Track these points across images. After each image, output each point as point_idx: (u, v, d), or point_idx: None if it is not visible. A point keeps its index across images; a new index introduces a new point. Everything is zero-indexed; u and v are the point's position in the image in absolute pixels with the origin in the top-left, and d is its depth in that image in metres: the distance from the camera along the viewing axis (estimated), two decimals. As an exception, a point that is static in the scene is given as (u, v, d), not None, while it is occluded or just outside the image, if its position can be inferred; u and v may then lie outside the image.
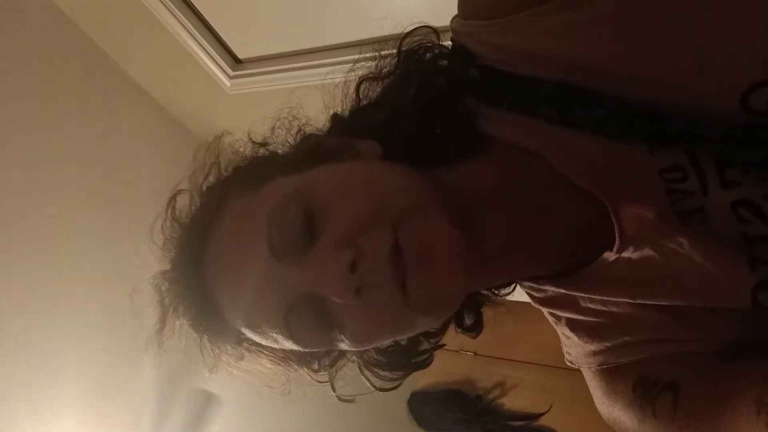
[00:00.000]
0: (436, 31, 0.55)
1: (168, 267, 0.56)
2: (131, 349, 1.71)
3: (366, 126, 0.55)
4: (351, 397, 0.59)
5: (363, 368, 0.58)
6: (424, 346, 0.59)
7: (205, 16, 1.85)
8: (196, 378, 1.90)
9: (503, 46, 0.48)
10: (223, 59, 1.93)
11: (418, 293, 0.44)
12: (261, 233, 0.47)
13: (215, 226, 0.52)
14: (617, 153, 0.47)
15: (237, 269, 0.50)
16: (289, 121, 0.58)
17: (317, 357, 0.57)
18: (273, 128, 0.58)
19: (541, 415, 0.52)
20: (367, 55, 0.57)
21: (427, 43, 0.54)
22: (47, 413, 1.69)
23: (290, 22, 1.78)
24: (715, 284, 0.46)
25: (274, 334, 0.49)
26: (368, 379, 0.58)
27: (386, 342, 0.53)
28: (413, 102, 0.53)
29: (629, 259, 0.48)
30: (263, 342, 0.52)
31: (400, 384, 0.59)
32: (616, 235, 0.47)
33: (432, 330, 0.57)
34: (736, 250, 0.45)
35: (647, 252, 0.47)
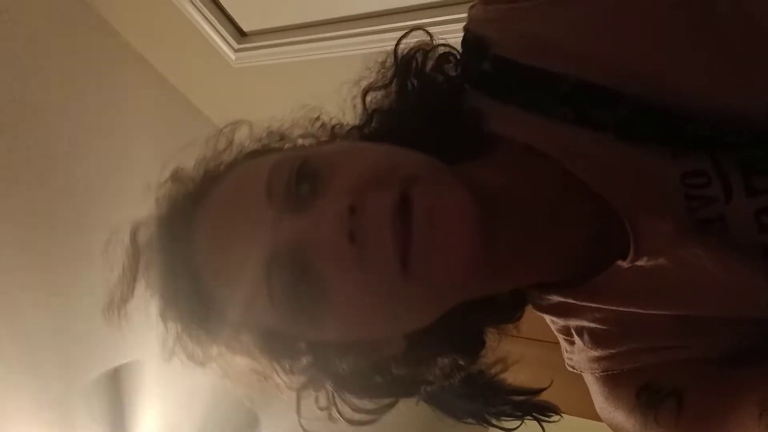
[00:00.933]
0: (429, 34, 0.53)
1: (154, 219, 0.52)
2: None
3: (377, 133, 0.53)
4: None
5: (335, 393, 0.52)
6: (409, 376, 0.53)
7: (209, -13, 1.83)
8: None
9: (524, 34, 0.46)
10: (228, 32, 1.91)
11: (419, 257, 0.40)
12: (260, 181, 0.45)
13: (215, 188, 0.49)
14: (636, 158, 0.45)
15: (228, 220, 0.46)
16: (308, 118, 0.55)
17: (291, 352, 0.50)
18: (292, 123, 0.55)
19: (542, 390, 0.52)
20: (369, 57, 0.54)
21: (423, 46, 0.53)
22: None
23: (296, -6, 1.76)
24: (730, 296, 0.45)
25: (251, 291, 0.44)
26: (339, 410, 0.52)
27: (372, 328, 0.47)
28: (416, 105, 0.52)
29: (642, 268, 0.45)
30: (234, 309, 0.47)
31: (377, 419, 0.53)
32: (631, 244, 0.45)
33: (417, 352, 0.51)
34: (755, 261, 0.43)
35: (661, 261, 0.45)
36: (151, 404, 1.88)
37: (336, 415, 0.52)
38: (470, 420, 0.58)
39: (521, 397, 0.57)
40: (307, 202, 0.43)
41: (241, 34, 1.96)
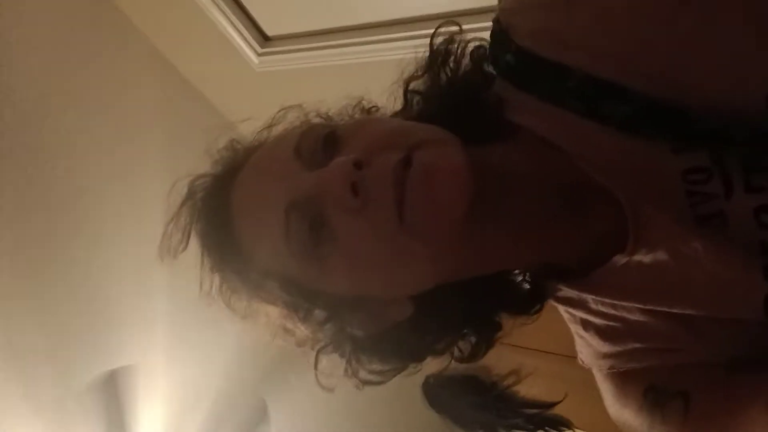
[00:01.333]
0: (460, 26, 0.57)
1: (208, 175, 0.58)
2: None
3: (412, 116, 0.57)
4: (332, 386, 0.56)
5: (352, 354, 0.55)
6: (422, 344, 0.56)
7: (235, -8, 1.85)
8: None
9: (545, 27, 0.48)
10: (251, 36, 1.93)
11: (412, 211, 0.44)
12: (291, 142, 0.50)
13: (258, 149, 0.56)
14: (640, 151, 0.46)
15: (258, 172, 0.52)
16: (354, 105, 0.60)
17: (307, 303, 0.53)
18: (340, 110, 0.60)
19: (556, 404, 0.52)
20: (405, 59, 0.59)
21: (453, 37, 0.57)
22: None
23: None
24: (727, 292, 0.45)
25: (271, 233, 0.49)
26: (354, 370, 0.56)
27: (375, 279, 0.50)
28: (446, 92, 0.56)
29: (641, 262, 0.47)
30: (258, 250, 0.51)
31: (387, 380, 0.57)
32: (630, 235, 0.46)
33: (426, 320, 0.54)
34: (752, 258, 0.44)
35: (660, 256, 0.46)
36: (152, 405, 1.91)
37: (350, 373, 0.56)
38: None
39: (534, 411, 0.57)
40: (327, 161, 0.47)
41: (264, 38, 1.98)
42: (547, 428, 0.56)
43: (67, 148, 1.78)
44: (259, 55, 1.97)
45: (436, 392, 0.58)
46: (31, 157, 1.69)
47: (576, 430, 0.58)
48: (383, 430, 1.91)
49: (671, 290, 0.47)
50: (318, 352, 0.56)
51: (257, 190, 0.52)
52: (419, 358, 0.57)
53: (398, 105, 0.59)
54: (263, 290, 0.53)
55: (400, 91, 0.59)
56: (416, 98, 0.58)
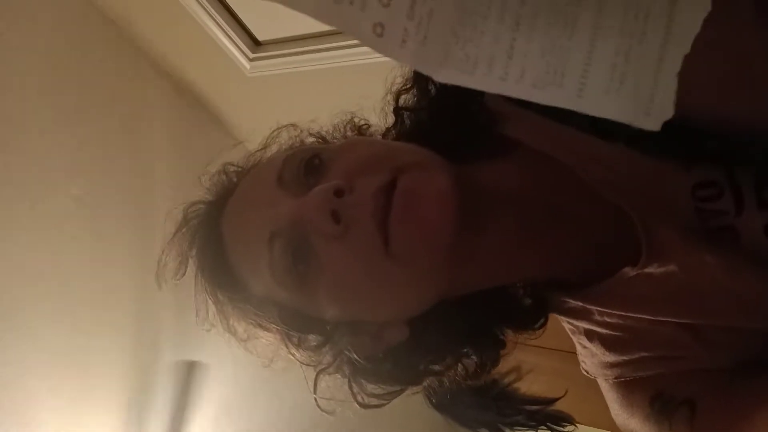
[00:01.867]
0: None
1: (203, 201, 0.58)
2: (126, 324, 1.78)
3: (403, 132, 0.57)
4: (331, 409, 0.56)
5: (351, 378, 0.55)
6: (421, 366, 0.55)
7: (224, -3, 1.85)
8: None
9: None
10: (242, 41, 1.93)
11: (396, 238, 0.43)
12: (275, 168, 0.50)
13: (248, 174, 0.56)
14: (649, 167, 0.46)
15: (244, 200, 0.53)
16: (345, 121, 0.60)
17: (300, 328, 0.53)
18: (332, 127, 0.60)
19: (556, 400, 0.51)
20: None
21: None
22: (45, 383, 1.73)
23: (310, 3, 1.77)
24: (739, 304, 0.45)
25: (258, 262, 0.49)
26: (354, 393, 0.55)
27: (362, 304, 0.50)
28: (434, 106, 0.55)
29: (650, 275, 0.46)
30: (248, 279, 0.51)
31: (386, 403, 0.56)
32: (643, 249, 0.45)
33: (424, 342, 0.53)
34: (764, 271, 0.43)
35: (670, 268, 0.45)
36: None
37: (350, 397, 0.55)
38: (484, 430, 0.58)
39: (535, 407, 0.57)
40: (309, 187, 0.47)
41: (255, 43, 1.97)
42: (549, 424, 0.56)
43: (62, 152, 1.77)
44: (251, 60, 1.96)
45: (437, 392, 0.58)
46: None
47: (578, 425, 0.58)
48: (385, 429, 1.91)
49: (681, 302, 0.47)
50: (317, 373, 0.55)
51: (244, 219, 0.52)
52: (417, 382, 0.56)
53: (390, 120, 0.58)
54: (259, 316, 0.53)
55: (390, 106, 0.58)
56: (406, 114, 0.57)
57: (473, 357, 0.56)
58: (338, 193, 0.44)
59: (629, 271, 0.47)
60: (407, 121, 0.57)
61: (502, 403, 0.57)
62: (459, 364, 0.56)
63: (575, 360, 0.58)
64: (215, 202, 0.57)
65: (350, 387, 0.55)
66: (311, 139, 0.59)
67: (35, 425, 1.62)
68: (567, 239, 0.50)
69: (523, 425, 0.57)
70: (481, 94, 0.54)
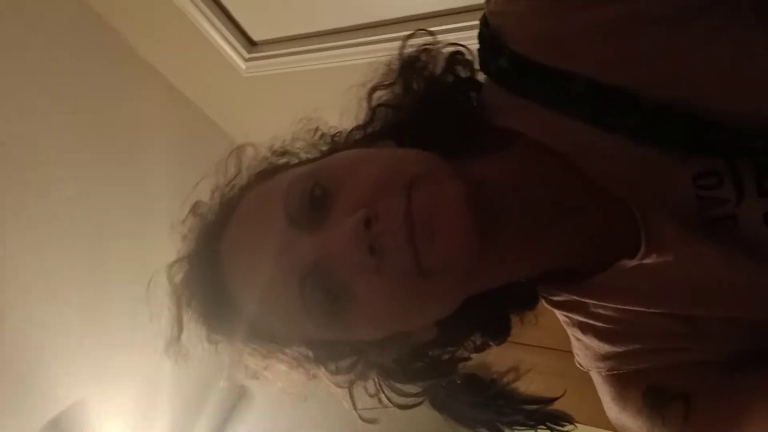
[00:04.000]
0: (432, 34, 0.56)
1: (184, 257, 0.55)
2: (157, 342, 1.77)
3: (380, 131, 0.55)
4: (373, 418, 0.56)
5: (381, 383, 0.55)
6: (445, 356, 0.57)
7: (219, -3, 1.84)
8: (228, 373, 1.94)
9: (544, 32, 0.47)
10: (238, 41, 1.92)
11: (426, 258, 0.43)
12: (278, 207, 0.48)
13: (233, 215, 0.53)
14: (650, 158, 0.45)
15: (254, 247, 0.49)
16: (307, 130, 0.58)
17: (334, 356, 0.54)
18: (293, 138, 0.58)
19: (556, 399, 0.51)
20: (377, 62, 0.57)
21: (427, 45, 0.55)
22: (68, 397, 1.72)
23: (306, 2, 1.77)
24: (736, 295, 0.45)
25: (288, 310, 0.48)
26: (388, 396, 0.55)
27: (400, 325, 0.50)
28: (421, 101, 0.54)
29: (647, 266, 0.46)
30: (276, 326, 0.51)
31: (422, 402, 0.56)
32: (642, 241, 0.45)
33: (449, 336, 0.55)
34: (762, 261, 0.43)
35: (667, 260, 0.45)
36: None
37: (385, 401, 0.56)
38: (483, 430, 0.58)
39: (534, 407, 0.57)
40: (324, 219, 0.46)
41: (251, 43, 1.97)
42: (548, 424, 0.56)
43: (57, 153, 1.77)
44: (246, 60, 1.96)
45: (436, 391, 0.58)
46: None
47: (577, 424, 0.58)
48: (389, 428, 1.91)
49: (676, 293, 0.47)
50: (350, 387, 0.55)
51: (260, 268, 0.48)
52: (448, 372, 0.57)
53: (350, 118, 0.56)
54: (286, 355, 0.53)
55: (361, 103, 0.56)
56: (383, 110, 0.55)
57: (489, 341, 0.58)
58: (367, 223, 0.43)
59: (627, 263, 0.47)
60: (384, 119, 0.55)
61: (501, 402, 0.57)
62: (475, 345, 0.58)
63: (573, 359, 0.58)
64: (203, 250, 0.54)
65: (382, 391, 0.55)
66: (281, 160, 0.57)
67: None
68: (568, 233, 0.49)
69: (522, 425, 0.57)
70: (477, 89, 0.54)
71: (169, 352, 0.56)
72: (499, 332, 0.59)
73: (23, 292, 1.64)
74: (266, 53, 1.93)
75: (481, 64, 0.53)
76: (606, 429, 0.63)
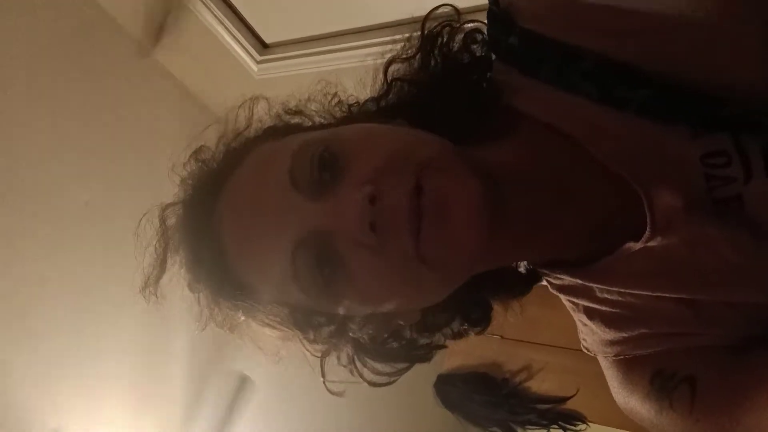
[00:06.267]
0: (457, 10, 0.54)
1: (180, 202, 0.54)
2: (165, 332, 1.80)
3: (394, 106, 0.55)
4: (341, 391, 0.56)
5: (356, 357, 0.55)
6: (423, 341, 0.56)
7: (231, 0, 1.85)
8: (230, 361, 1.95)
9: (555, 6, 0.47)
10: (250, 44, 1.93)
11: (430, 245, 0.43)
12: (284, 169, 0.47)
13: (237, 167, 0.51)
14: (657, 136, 0.45)
15: (254, 204, 0.48)
16: (325, 93, 0.57)
17: (314, 325, 0.53)
18: (308, 99, 0.57)
19: (568, 398, 0.51)
20: (396, 37, 0.56)
21: (450, 21, 0.54)
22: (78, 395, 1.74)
23: (317, 5, 1.77)
24: (740, 278, 0.45)
25: (277, 273, 0.47)
26: (359, 371, 0.55)
27: (389, 305, 0.49)
28: (437, 80, 0.53)
29: (652, 249, 0.46)
30: (262, 287, 0.50)
31: (393, 381, 0.56)
32: (648, 223, 0.45)
33: (431, 321, 0.55)
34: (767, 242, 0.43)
35: (673, 242, 0.45)
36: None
37: (356, 375, 0.55)
38: (496, 429, 0.58)
39: (546, 406, 0.57)
40: (329, 189, 0.45)
41: (263, 45, 1.98)
42: (560, 423, 0.56)
43: (71, 157, 1.78)
44: (258, 62, 1.97)
45: (447, 391, 0.58)
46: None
47: (590, 423, 0.58)
48: (396, 428, 1.90)
49: (683, 278, 0.46)
50: (322, 358, 0.55)
51: (255, 227, 0.48)
52: (425, 358, 0.57)
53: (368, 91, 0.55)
54: (267, 315, 0.52)
55: (377, 75, 0.55)
56: (398, 85, 0.55)
57: (468, 329, 0.57)
58: (372, 200, 0.42)
59: (632, 246, 0.46)
60: (400, 93, 0.55)
61: (514, 401, 0.57)
62: (454, 334, 0.57)
63: (586, 358, 0.58)
64: (201, 198, 0.53)
65: (354, 365, 0.55)
66: (294, 119, 0.56)
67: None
68: (574, 218, 0.49)
69: (534, 424, 0.57)
70: (489, 68, 0.53)
71: (145, 293, 0.54)
72: (480, 320, 0.57)
73: (42, 292, 1.66)
74: (278, 55, 1.94)
75: (490, 43, 0.53)
76: (619, 428, 0.63)
